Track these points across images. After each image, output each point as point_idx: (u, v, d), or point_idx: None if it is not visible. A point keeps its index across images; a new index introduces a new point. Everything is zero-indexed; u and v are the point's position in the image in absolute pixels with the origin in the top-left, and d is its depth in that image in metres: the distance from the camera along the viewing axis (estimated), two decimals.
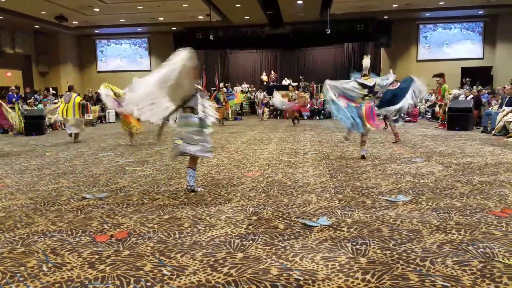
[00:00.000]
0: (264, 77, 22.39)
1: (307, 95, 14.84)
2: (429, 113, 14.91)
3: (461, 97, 12.31)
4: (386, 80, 6.42)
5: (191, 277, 2.42)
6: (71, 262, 2.67)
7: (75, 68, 21.69)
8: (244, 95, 19.90)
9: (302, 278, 2.36)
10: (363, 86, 6.15)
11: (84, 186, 4.97)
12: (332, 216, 3.54)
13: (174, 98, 4.29)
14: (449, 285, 2.25)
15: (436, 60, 18.78)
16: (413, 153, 7.00)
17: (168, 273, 2.47)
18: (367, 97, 6.21)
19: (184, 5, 15.99)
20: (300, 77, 20.87)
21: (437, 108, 13.16)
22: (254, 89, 20.89)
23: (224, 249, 2.84)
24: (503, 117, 9.46)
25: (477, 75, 17.55)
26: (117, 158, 7.18)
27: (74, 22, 18.56)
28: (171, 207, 3.93)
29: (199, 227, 3.31)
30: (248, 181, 5.03)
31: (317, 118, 16.96)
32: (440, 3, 16.32)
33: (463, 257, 2.60)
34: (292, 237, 3.04)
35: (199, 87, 4.58)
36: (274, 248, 2.82)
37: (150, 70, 20.15)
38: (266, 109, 17.78)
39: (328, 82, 6.37)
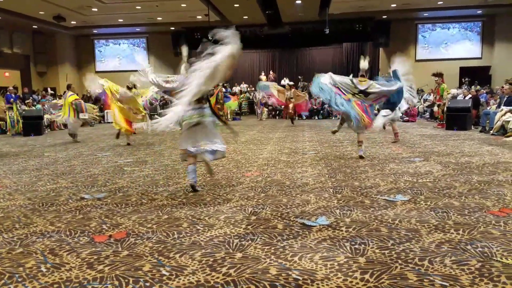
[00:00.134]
0: (263, 77, 22.38)
1: (306, 95, 14.81)
2: (427, 113, 14.93)
3: (460, 97, 12.30)
4: (387, 87, 6.38)
5: (190, 277, 2.42)
6: (70, 262, 2.67)
7: (73, 68, 21.61)
8: (243, 95, 19.93)
9: (301, 278, 2.36)
10: (355, 86, 6.27)
11: (83, 187, 4.96)
12: (331, 215, 3.54)
13: (203, 90, 4.11)
14: (447, 284, 2.25)
15: (435, 60, 18.77)
16: (411, 152, 7.01)
17: (167, 273, 2.47)
18: (357, 95, 6.28)
19: (182, 5, 15.96)
20: (299, 77, 20.84)
21: (435, 108, 13.18)
22: (253, 89, 20.87)
23: (223, 249, 2.84)
24: (501, 116, 9.48)
25: (475, 75, 17.56)
26: (116, 158, 7.17)
27: (72, 22, 18.51)
28: (170, 207, 3.93)
29: (198, 227, 3.31)
30: (247, 181, 5.03)
31: (316, 118, 16.96)
32: (439, 2, 16.32)
33: (461, 257, 2.60)
34: (291, 237, 3.04)
35: None
36: (273, 248, 2.82)
37: None
38: (265, 109, 17.78)
39: (326, 74, 6.56)
